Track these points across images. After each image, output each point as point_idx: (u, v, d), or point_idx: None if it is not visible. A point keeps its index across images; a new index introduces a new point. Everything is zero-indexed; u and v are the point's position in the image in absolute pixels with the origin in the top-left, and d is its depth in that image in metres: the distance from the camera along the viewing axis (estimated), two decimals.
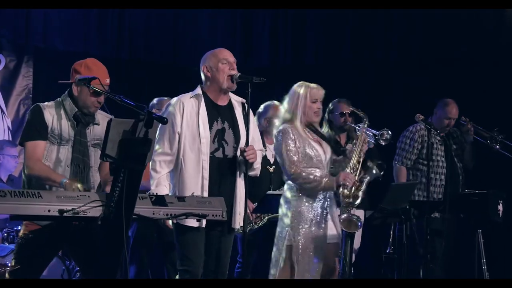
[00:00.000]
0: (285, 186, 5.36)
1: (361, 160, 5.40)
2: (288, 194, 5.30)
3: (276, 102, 6.22)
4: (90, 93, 4.35)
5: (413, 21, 8.12)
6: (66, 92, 4.46)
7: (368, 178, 5.38)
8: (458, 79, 7.74)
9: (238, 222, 4.78)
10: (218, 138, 4.78)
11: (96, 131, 4.47)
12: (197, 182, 4.69)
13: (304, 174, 5.17)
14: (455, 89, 7.40)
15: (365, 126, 5.62)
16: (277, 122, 5.39)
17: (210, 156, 4.73)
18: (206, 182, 4.69)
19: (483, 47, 7.73)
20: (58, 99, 4.47)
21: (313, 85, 5.34)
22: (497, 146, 6.86)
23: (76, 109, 4.39)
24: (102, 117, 4.52)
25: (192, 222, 4.65)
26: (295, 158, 5.17)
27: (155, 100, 6.51)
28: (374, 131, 6.35)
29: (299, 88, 5.32)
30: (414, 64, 8.13)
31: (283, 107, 5.36)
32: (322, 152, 5.31)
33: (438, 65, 7.97)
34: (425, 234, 6.09)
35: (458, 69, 7.83)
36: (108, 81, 4.39)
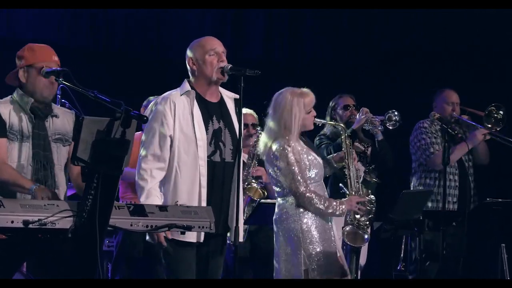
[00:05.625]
0: (282, 202, 5.15)
1: (360, 175, 5.33)
2: (289, 210, 5.11)
3: None
4: (40, 75, 4.38)
5: (412, 16, 8.26)
6: (17, 87, 4.49)
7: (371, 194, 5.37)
8: (460, 72, 7.88)
9: (239, 236, 4.61)
10: (215, 139, 4.70)
11: (56, 124, 4.48)
12: (193, 191, 4.61)
13: (315, 195, 5.01)
14: (457, 84, 7.43)
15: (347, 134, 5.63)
16: (265, 137, 5.15)
17: (207, 161, 4.66)
18: (204, 191, 4.61)
19: (485, 42, 7.90)
20: (11, 96, 4.49)
21: (304, 93, 5.10)
22: (497, 128, 6.73)
23: (32, 100, 4.41)
24: (61, 111, 4.56)
25: (187, 237, 4.54)
26: (300, 177, 5.00)
27: (151, 98, 6.40)
28: (379, 117, 6.38)
29: (290, 99, 5.05)
30: (414, 59, 8.25)
31: (271, 120, 5.12)
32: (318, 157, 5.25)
33: (439, 60, 8.11)
34: (441, 249, 6.08)
35: (461, 62, 8.00)
36: (56, 58, 4.45)
